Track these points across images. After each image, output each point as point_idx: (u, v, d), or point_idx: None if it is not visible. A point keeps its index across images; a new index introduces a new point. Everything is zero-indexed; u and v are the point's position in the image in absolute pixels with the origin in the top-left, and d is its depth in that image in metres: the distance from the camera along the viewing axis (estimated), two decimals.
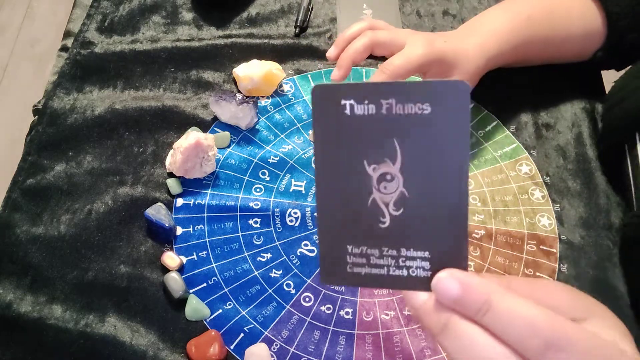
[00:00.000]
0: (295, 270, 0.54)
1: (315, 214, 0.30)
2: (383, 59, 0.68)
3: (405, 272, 0.30)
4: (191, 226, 0.55)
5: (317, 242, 0.31)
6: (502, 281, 0.29)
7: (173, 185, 0.57)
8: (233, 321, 0.51)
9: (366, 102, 0.28)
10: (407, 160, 0.28)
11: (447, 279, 0.28)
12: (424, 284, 0.29)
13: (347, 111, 0.28)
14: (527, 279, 0.31)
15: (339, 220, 0.30)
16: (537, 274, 0.54)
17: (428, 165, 0.28)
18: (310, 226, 0.56)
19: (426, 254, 0.29)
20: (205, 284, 0.52)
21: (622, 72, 0.61)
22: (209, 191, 0.57)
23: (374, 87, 0.28)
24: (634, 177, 0.56)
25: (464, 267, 0.28)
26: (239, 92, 0.64)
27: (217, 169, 0.59)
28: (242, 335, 0.50)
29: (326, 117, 0.29)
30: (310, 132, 0.62)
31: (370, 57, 0.68)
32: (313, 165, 0.30)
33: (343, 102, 0.28)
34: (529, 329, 0.25)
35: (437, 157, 0.28)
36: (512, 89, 0.67)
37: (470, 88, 0.26)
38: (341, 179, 0.29)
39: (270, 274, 0.53)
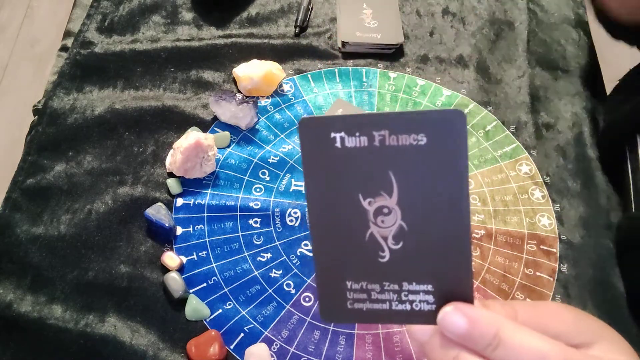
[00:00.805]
0: (295, 270, 0.54)
1: (311, 250, 0.29)
2: (385, 57, 0.68)
3: (408, 307, 0.29)
4: (191, 226, 0.55)
5: (314, 278, 0.31)
6: (509, 310, 0.28)
7: (173, 185, 0.57)
8: (233, 321, 0.51)
9: (357, 134, 0.26)
10: (404, 192, 0.27)
11: (454, 314, 0.27)
12: (429, 318, 0.28)
13: (338, 144, 0.27)
14: (532, 303, 0.30)
15: (337, 256, 0.29)
16: (537, 273, 0.54)
17: (426, 197, 0.27)
18: None
19: (429, 287, 0.28)
20: (205, 284, 0.52)
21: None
22: (209, 191, 0.57)
23: (365, 119, 0.27)
24: (634, 178, 0.57)
25: (470, 300, 0.27)
26: (239, 92, 0.64)
27: (217, 169, 0.59)
28: (242, 335, 0.50)
29: (316, 150, 0.27)
30: None
31: (371, 56, 0.69)
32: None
33: (333, 134, 0.27)
34: None
35: (436, 188, 0.26)
36: (512, 88, 0.67)
37: (466, 116, 0.25)
38: (336, 214, 0.28)
39: (270, 274, 0.53)
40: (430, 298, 0.28)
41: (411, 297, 0.29)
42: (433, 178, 0.26)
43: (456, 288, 0.28)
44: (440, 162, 0.26)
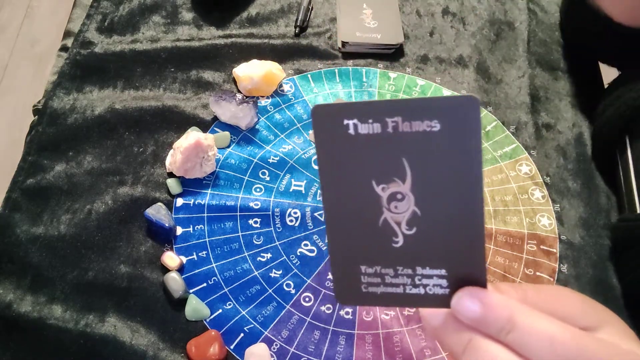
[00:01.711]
0: (295, 270, 0.54)
1: (326, 234, 0.30)
2: (385, 57, 0.68)
3: (422, 291, 0.29)
4: (191, 226, 0.55)
5: (329, 262, 0.31)
6: (520, 292, 0.28)
7: (173, 185, 0.57)
8: (233, 321, 0.51)
9: (370, 121, 0.26)
10: (418, 178, 0.27)
11: (468, 298, 0.27)
12: (443, 302, 0.28)
13: (351, 131, 0.27)
14: (541, 286, 0.30)
15: (350, 241, 0.29)
16: (537, 273, 0.54)
17: (440, 183, 0.27)
18: (310, 226, 0.56)
19: (443, 271, 0.28)
20: (205, 284, 0.52)
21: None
22: (209, 191, 0.57)
23: (378, 105, 0.27)
24: (625, 181, 0.57)
25: (483, 284, 0.28)
26: (239, 92, 0.64)
27: (217, 169, 0.59)
28: (242, 335, 0.50)
29: (329, 138, 0.27)
30: (311, 132, 0.62)
31: (371, 56, 0.69)
32: (319, 183, 0.29)
33: (346, 122, 0.27)
34: (555, 347, 0.25)
35: (449, 174, 0.27)
36: (512, 88, 0.67)
37: (480, 101, 0.25)
38: (350, 200, 0.28)
39: (270, 274, 0.53)
40: (443, 282, 0.28)
41: (425, 281, 0.29)
42: (446, 164, 0.26)
43: (469, 272, 0.28)
44: (453, 148, 0.26)
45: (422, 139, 0.26)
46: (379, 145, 0.27)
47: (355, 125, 0.27)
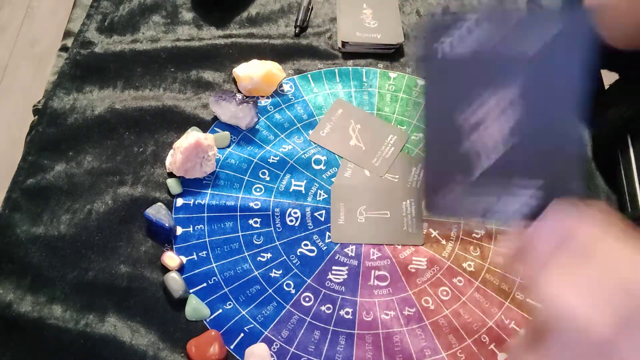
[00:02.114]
0: (295, 270, 0.54)
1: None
2: (385, 57, 0.68)
3: (513, 203, 0.29)
4: (191, 226, 0.55)
5: (422, 174, 0.31)
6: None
7: (173, 185, 0.57)
8: (233, 321, 0.51)
9: (474, 36, 0.27)
10: (519, 93, 0.27)
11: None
12: (533, 215, 0.28)
13: (455, 48, 0.27)
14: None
15: (445, 155, 0.30)
16: None
17: (543, 98, 0.27)
18: (310, 226, 0.56)
19: (535, 185, 0.28)
20: (205, 284, 0.52)
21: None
22: (209, 191, 0.57)
23: (484, 19, 0.27)
24: (627, 180, 0.57)
25: (579, 196, 0.27)
26: (239, 92, 0.64)
27: (217, 169, 0.59)
28: (242, 335, 0.50)
29: (432, 54, 0.28)
30: (311, 132, 0.62)
31: (371, 56, 0.68)
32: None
33: (450, 38, 0.27)
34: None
35: (553, 88, 0.27)
36: None
37: (591, 16, 0.25)
38: (448, 116, 0.29)
39: (270, 274, 0.53)
40: (536, 195, 0.28)
41: (517, 193, 0.29)
42: (551, 78, 0.26)
43: (565, 185, 0.28)
44: (559, 63, 0.26)
45: (527, 55, 0.26)
46: (484, 60, 0.27)
47: (458, 41, 0.27)
